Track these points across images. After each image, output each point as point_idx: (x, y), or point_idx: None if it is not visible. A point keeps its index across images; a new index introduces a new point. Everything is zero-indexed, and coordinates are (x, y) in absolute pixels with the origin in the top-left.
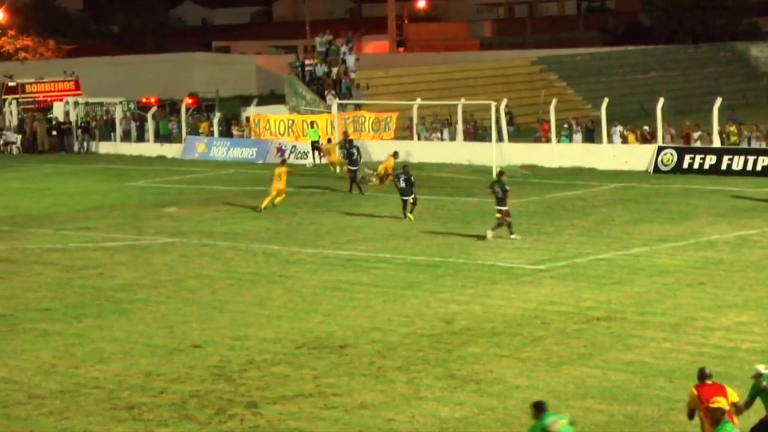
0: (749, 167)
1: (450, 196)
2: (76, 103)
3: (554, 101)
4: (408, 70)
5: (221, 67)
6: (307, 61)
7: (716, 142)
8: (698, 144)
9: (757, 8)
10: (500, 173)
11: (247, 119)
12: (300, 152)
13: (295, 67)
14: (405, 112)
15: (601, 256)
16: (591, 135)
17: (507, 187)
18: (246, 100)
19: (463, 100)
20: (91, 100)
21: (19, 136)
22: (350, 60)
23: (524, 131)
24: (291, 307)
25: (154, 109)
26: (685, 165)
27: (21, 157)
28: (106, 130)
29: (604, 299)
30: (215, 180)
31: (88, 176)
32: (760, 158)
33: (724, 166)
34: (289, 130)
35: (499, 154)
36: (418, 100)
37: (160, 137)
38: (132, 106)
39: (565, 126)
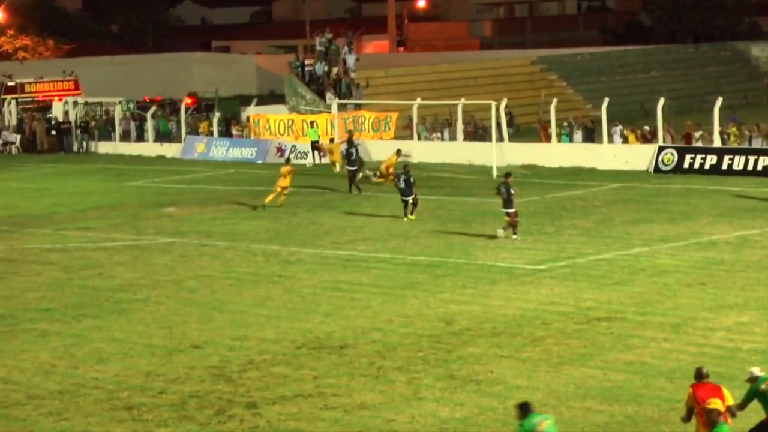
0: (750, 167)
1: (450, 196)
2: (75, 103)
3: (554, 101)
4: (408, 69)
5: (221, 67)
6: (306, 61)
7: (717, 142)
8: (699, 144)
9: (758, 8)
10: (506, 174)
11: (247, 119)
12: (300, 152)
13: (295, 66)
14: (405, 112)
15: (601, 256)
16: (591, 134)
17: (512, 189)
18: (246, 100)
19: (463, 100)
20: (90, 99)
21: (19, 136)
22: (350, 60)
23: (524, 131)
24: (291, 307)
25: (154, 108)
26: (686, 165)
27: (20, 157)
28: (106, 130)
29: (604, 299)
30: (215, 180)
31: (88, 176)
32: (761, 158)
33: (724, 166)
34: (289, 129)
35: (499, 154)
36: (418, 100)
37: (159, 136)
38: (131, 105)
39: (565, 124)
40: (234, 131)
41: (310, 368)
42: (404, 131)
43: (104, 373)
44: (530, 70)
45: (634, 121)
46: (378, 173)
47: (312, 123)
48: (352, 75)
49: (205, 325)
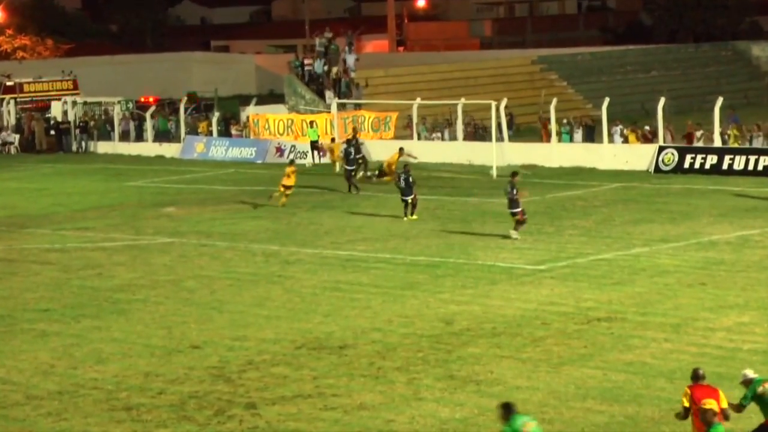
0: (750, 167)
1: (450, 196)
2: (74, 103)
3: (554, 101)
4: (408, 69)
5: (220, 67)
6: (306, 61)
7: (717, 142)
8: (700, 144)
9: (758, 7)
10: (513, 173)
11: (247, 119)
12: (299, 152)
13: (294, 66)
14: (405, 112)
15: (601, 256)
16: (591, 132)
17: (514, 189)
18: (245, 100)
19: (463, 100)
20: (89, 99)
21: (17, 136)
22: (350, 59)
23: (525, 131)
24: (290, 307)
25: (153, 108)
26: (686, 165)
27: (19, 156)
28: (105, 130)
29: (604, 299)
30: (214, 180)
31: (87, 176)
32: (762, 158)
33: (725, 166)
34: (289, 129)
35: (500, 154)
36: (418, 100)
37: (159, 134)
38: (130, 105)
39: (565, 121)
40: (233, 131)
41: (309, 368)
42: (404, 131)
43: (103, 374)
44: (530, 69)
45: (635, 121)
46: (380, 171)
47: (311, 123)
48: (352, 75)
49: (205, 325)
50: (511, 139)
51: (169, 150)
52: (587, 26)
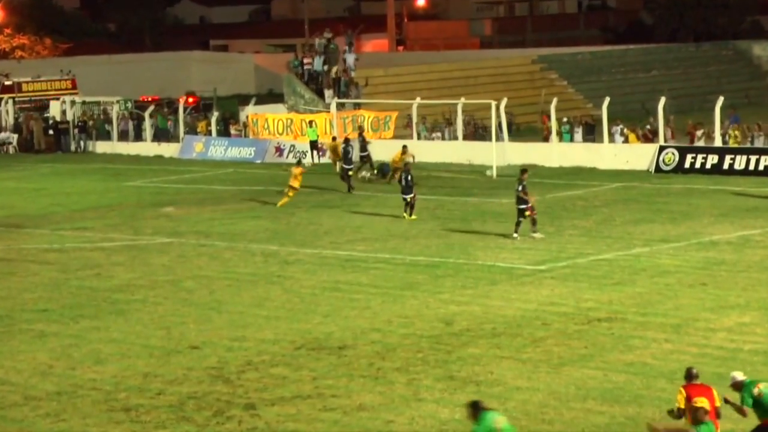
0: (751, 167)
1: (450, 196)
2: (73, 103)
3: (555, 100)
4: (407, 68)
5: (219, 66)
6: (305, 60)
7: (718, 142)
8: (701, 143)
9: (760, 7)
10: (522, 170)
11: (246, 118)
12: (298, 152)
13: (293, 66)
14: (404, 111)
15: (602, 256)
16: (592, 130)
17: (519, 186)
18: (244, 99)
19: (463, 99)
20: (88, 99)
21: (16, 136)
22: (350, 59)
23: (525, 130)
24: (289, 307)
25: (152, 108)
26: (687, 164)
27: (17, 156)
28: (104, 130)
29: (605, 300)
30: (213, 180)
31: (85, 176)
32: (762, 158)
33: (726, 166)
34: (288, 129)
35: (500, 153)
36: (418, 99)
37: (158, 132)
38: (129, 105)
39: (564, 120)
40: (232, 131)
41: (308, 369)
42: (404, 130)
43: (102, 374)
44: (530, 69)
45: (635, 120)
46: (380, 171)
47: (311, 122)
48: (352, 74)
49: (204, 325)
50: (511, 138)
51: (168, 150)
52: (587, 25)
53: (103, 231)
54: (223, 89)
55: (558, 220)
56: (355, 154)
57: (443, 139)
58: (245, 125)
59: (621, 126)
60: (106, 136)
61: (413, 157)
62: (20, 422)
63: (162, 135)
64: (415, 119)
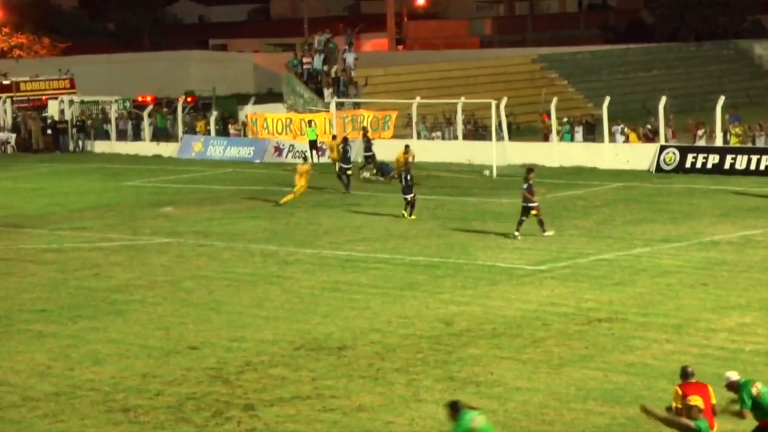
0: (752, 166)
1: (450, 196)
2: (71, 102)
3: (555, 100)
4: (407, 68)
5: (218, 65)
6: (305, 59)
7: (719, 141)
8: (702, 143)
9: (761, 6)
10: (528, 170)
11: (245, 118)
12: (298, 151)
13: (293, 66)
14: (404, 111)
15: (602, 256)
16: (592, 129)
17: (524, 186)
18: (243, 99)
19: (462, 99)
20: (86, 98)
21: (14, 135)
22: (350, 58)
23: (525, 130)
24: (289, 308)
25: (150, 107)
26: (688, 164)
27: (16, 156)
28: (102, 129)
29: (605, 300)
30: (212, 179)
31: (84, 176)
32: (764, 157)
33: (727, 166)
34: (287, 129)
35: (500, 153)
36: (418, 99)
37: (157, 131)
38: (128, 104)
39: (565, 120)
40: (231, 130)
41: (308, 370)
42: (404, 130)
43: (100, 375)
44: (531, 68)
45: (636, 120)
46: (381, 171)
47: (310, 122)
48: (352, 73)
49: (202, 326)
50: (511, 138)
51: (167, 149)
52: (588, 25)
53: (101, 231)
54: (222, 88)
55: (558, 220)
56: (360, 154)
57: (443, 138)
58: (244, 125)
59: (622, 125)
60: (105, 135)
61: (413, 157)
62: (18, 423)
63: (161, 134)
64: (414, 119)
